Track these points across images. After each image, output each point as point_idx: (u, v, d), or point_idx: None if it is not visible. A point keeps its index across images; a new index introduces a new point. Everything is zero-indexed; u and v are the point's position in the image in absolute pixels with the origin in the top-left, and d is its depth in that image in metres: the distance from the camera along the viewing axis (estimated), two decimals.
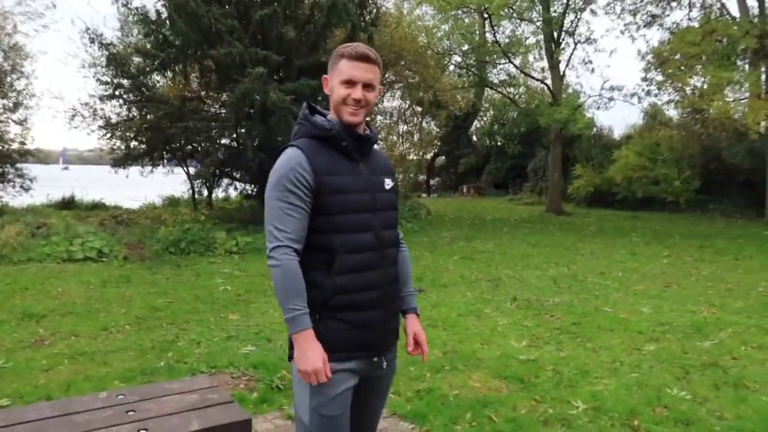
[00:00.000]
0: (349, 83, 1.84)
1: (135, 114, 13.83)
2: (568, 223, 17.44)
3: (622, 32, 21.93)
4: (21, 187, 16.26)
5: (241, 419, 1.72)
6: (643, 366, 4.44)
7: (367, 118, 2.00)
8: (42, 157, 18.66)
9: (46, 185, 18.11)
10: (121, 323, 5.61)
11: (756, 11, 16.46)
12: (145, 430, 1.63)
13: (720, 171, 21.76)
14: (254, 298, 6.74)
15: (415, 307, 2.12)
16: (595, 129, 28.07)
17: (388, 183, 1.98)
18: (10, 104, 16.21)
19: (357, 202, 1.87)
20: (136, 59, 13.85)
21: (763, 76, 16.81)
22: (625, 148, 23.97)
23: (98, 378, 4.11)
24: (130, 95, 13.52)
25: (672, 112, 24.90)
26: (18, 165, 16.40)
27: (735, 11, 17.41)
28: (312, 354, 1.75)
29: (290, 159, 1.82)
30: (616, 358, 4.63)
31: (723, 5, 18.86)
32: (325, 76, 1.96)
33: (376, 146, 2.06)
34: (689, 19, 20.29)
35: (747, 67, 17.00)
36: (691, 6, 19.77)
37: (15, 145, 16.43)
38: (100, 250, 9.15)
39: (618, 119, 55.49)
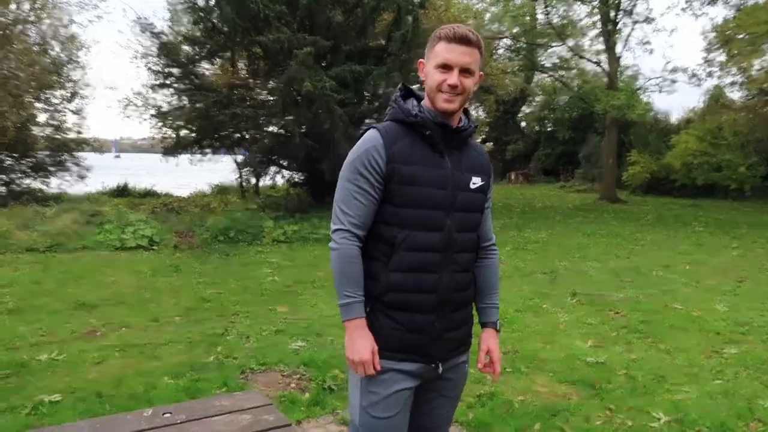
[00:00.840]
0: (445, 67, 1.66)
1: (185, 102, 13.92)
2: (624, 211, 16.73)
3: (683, 9, 20.81)
4: (78, 175, 16.69)
5: None
6: (727, 372, 4.04)
7: (467, 106, 1.80)
8: (97, 146, 19.09)
9: (101, 174, 18.58)
10: (171, 315, 5.55)
11: None
12: None
13: None
14: (302, 289, 6.60)
15: (495, 321, 1.90)
16: (651, 113, 26.96)
17: (476, 182, 1.78)
18: (68, 94, 16.62)
19: (430, 197, 1.69)
20: (186, 48, 13.92)
21: None
22: (685, 133, 22.85)
23: (148, 372, 4.01)
24: (181, 84, 13.62)
25: (736, 95, 23.56)
26: (75, 154, 16.82)
27: None
28: (361, 343, 1.66)
29: (366, 141, 1.71)
30: (693, 362, 4.25)
31: None
32: (420, 60, 1.78)
33: (472, 140, 1.84)
34: None
35: None
36: None
37: (72, 135, 16.86)
38: (151, 238, 9.21)
39: (675, 103, 53.10)
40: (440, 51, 1.68)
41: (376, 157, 1.67)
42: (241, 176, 16.32)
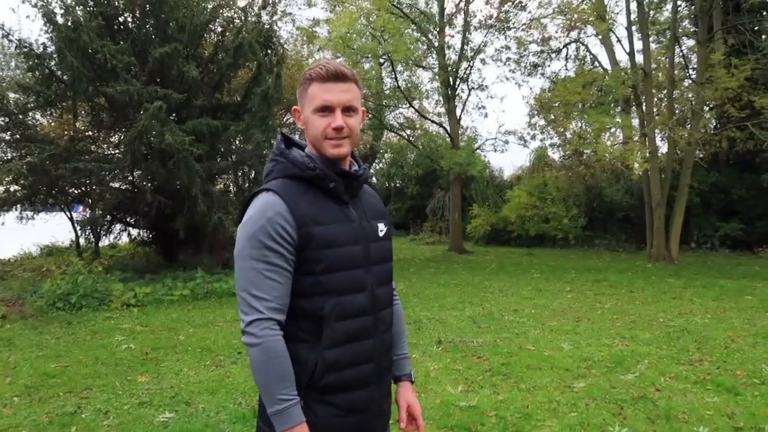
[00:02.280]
0: (325, 110, 1.52)
1: (13, 155, 12.53)
2: (471, 261, 17.92)
3: (507, 78, 23.53)
4: None
5: None
6: (579, 405, 4.48)
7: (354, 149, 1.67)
8: None
9: None
10: (8, 395, 4.85)
11: (625, 63, 18.23)
12: None
13: (602, 208, 23.53)
14: (163, 355, 6.14)
15: (409, 373, 1.85)
16: (488, 170, 29.56)
17: (382, 228, 1.67)
18: None
19: (350, 256, 1.55)
20: (13, 95, 12.67)
21: (635, 121, 18.53)
22: (517, 189, 25.32)
23: None
24: (7, 134, 12.29)
25: (556, 155, 26.77)
26: None
27: (606, 63, 19.22)
28: None
29: (267, 207, 1.47)
30: (551, 398, 4.65)
31: (595, 57, 20.83)
32: (295, 107, 1.63)
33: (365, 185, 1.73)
34: (566, 69, 22.21)
35: (620, 114, 18.64)
36: (567, 58, 21.61)
37: None
38: None
39: (507, 161, 58.86)
40: (316, 93, 1.52)
41: (283, 224, 1.46)
42: (77, 235, 14.91)
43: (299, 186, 1.54)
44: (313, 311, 1.50)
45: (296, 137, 1.73)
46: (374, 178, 36.56)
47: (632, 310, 8.65)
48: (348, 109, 1.53)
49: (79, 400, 4.72)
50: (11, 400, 4.75)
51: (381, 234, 1.66)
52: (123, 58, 10.48)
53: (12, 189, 12.14)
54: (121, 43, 11.07)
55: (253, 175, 13.80)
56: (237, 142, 13.01)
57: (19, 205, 12.60)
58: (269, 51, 12.77)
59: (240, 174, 14.20)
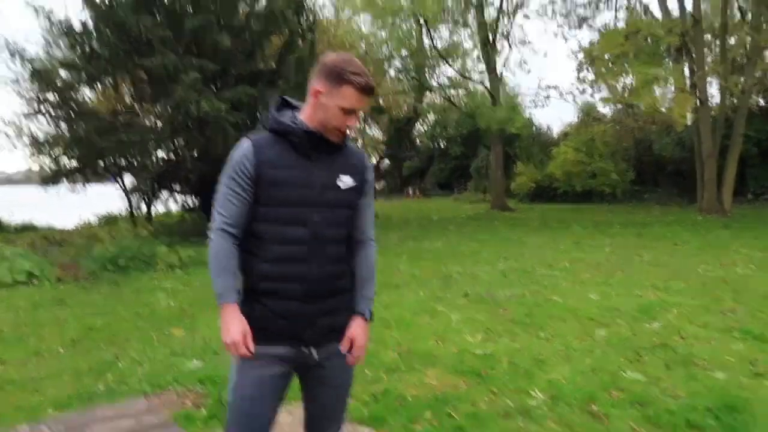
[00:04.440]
0: (351, 112, 1.86)
1: (64, 130, 13.14)
2: (513, 219, 17.75)
3: (555, 34, 22.64)
4: None
5: None
6: (596, 351, 4.47)
7: None
8: None
9: None
10: (54, 347, 5.24)
11: (676, 12, 17.25)
12: None
13: (652, 162, 22.72)
14: (199, 311, 6.45)
15: (364, 311, 2.03)
16: (534, 128, 28.91)
17: (345, 181, 1.94)
18: None
19: (295, 196, 1.87)
20: (63, 73, 13.20)
21: (687, 71, 17.62)
22: (563, 145, 24.72)
23: (30, 408, 3.77)
24: (58, 110, 12.86)
25: (605, 109, 25.85)
26: None
27: (657, 12, 18.22)
28: (233, 326, 1.82)
29: (239, 149, 1.89)
30: (569, 345, 4.65)
31: (646, 7, 19.75)
32: (315, 86, 1.87)
33: (350, 145, 2.01)
34: (616, 19, 21.16)
35: (671, 63, 17.76)
36: (617, 8, 20.60)
37: None
38: (30, 272, 8.60)
39: (555, 118, 57.22)
40: (350, 97, 1.82)
41: (246, 164, 1.85)
42: (131, 203, 15.61)
43: (275, 138, 1.90)
44: (258, 233, 1.88)
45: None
46: (417, 140, 36.34)
47: (671, 262, 8.43)
48: (357, 112, 1.89)
49: (117, 350, 5.05)
50: (57, 351, 5.13)
51: (342, 185, 1.93)
52: (158, 31, 10.72)
53: (62, 162, 12.76)
54: (156, 16, 11.30)
55: None
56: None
57: (70, 176, 13.23)
58: (300, 17, 12.75)
59: None
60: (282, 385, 1.94)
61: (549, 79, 50.99)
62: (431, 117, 35.10)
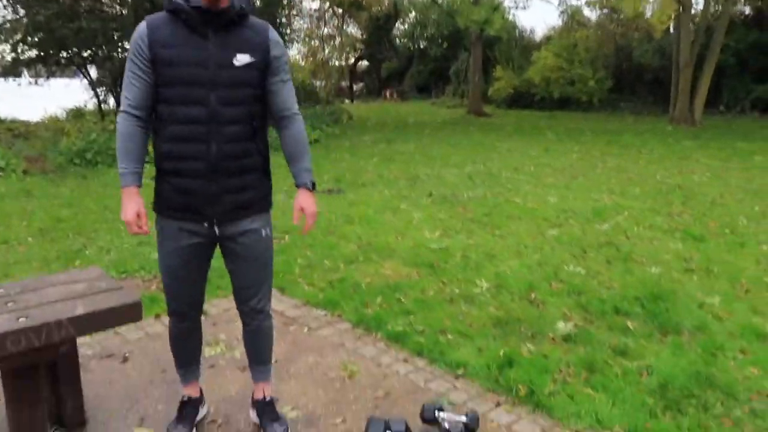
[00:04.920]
0: None
1: (22, 14, 12.44)
2: (488, 124, 17.75)
3: None
4: None
5: (130, 302, 1.70)
6: (545, 248, 4.73)
7: None
8: None
9: None
10: (23, 236, 5.32)
11: None
12: (25, 317, 1.57)
13: (631, 70, 22.54)
14: None
15: (306, 182, 2.11)
16: (516, 30, 28.12)
17: (242, 59, 1.93)
18: None
19: (190, 75, 1.89)
20: None
21: None
22: (544, 50, 24.23)
23: None
24: None
25: (591, 13, 25.15)
26: None
27: None
28: (128, 207, 1.95)
29: (135, 32, 1.92)
30: (521, 242, 4.90)
31: None
32: None
33: (249, 21, 1.98)
34: None
35: None
36: None
37: None
38: None
39: (539, 21, 55.41)
40: None
41: (141, 45, 1.88)
42: (98, 96, 15.14)
43: (169, 17, 1.91)
44: (159, 113, 1.95)
45: None
46: (397, 40, 35.24)
47: (633, 169, 8.67)
48: None
49: (85, 240, 5.16)
50: (25, 239, 5.22)
51: (236, 63, 1.93)
52: None
53: (21, 49, 12.19)
54: None
55: None
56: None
57: (31, 66, 12.70)
58: None
59: None
60: (199, 255, 2.07)
61: None
62: (412, 15, 33.85)
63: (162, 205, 2.02)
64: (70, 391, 2.17)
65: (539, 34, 29.81)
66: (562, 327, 3.15)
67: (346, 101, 29.71)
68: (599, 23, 24.54)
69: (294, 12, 21.27)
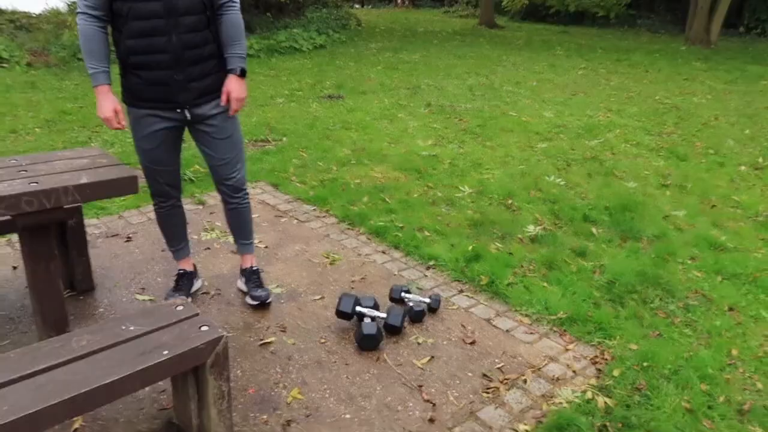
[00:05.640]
0: None
1: None
2: (498, 37, 17.32)
3: None
4: None
5: (127, 175, 1.93)
6: (531, 160, 4.91)
7: None
8: None
9: None
10: (30, 126, 5.52)
11: None
12: (36, 182, 1.81)
13: None
14: None
15: (235, 68, 2.26)
16: None
17: None
18: None
19: None
20: None
21: None
22: None
23: None
24: None
25: None
26: None
27: None
28: (104, 105, 2.11)
29: None
30: (509, 153, 5.08)
31: None
32: None
33: None
34: None
35: None
36: None
37: None
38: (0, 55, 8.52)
39: None
40: None
41: None
42: None
43: None
44: (118, 11, 2.06)
45: None
46: None
47: (635, 88, 8.65)
48: None
49: (90, 133, 5.36)
50: (33, 130, 5.42)
51: None
52: None
53: None
54: None
55: None
56: None
57: None
58: None
59: None
60: (172, 137, 2.28)
61: None
62: None
63: (133, 97, 2.18)
64: (79, 259, 2.46)
65: None
66: (532, 230, 3.40)
67: (356, 6, 28.72)
68: None
69: None
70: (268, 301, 2.55)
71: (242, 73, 2.27)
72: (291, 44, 12.15)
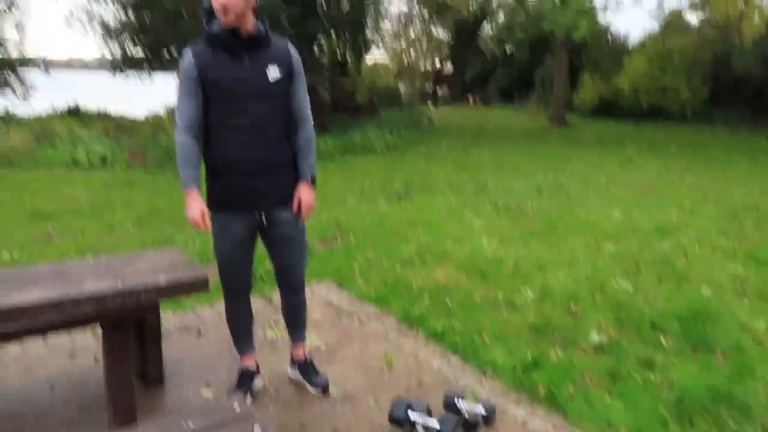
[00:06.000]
0: None
1: (131, 17, 13.71)
2: (569, 134, 17.51)
3: None
4: (22, 96, 16.46)
5: (199, 276, 2.14)
6: (598, 262, 4.83)
7: (263, 18, 2.39)
8: (45, 65, 18.66)
9: (50, 93, 18.25)
10: (125, 222, 6.06)
11: None
12: (119, 282, 2.03)
13: (730, 80, 21.35)
14: None
15: (307, 177, 2.50)
16: (610, 35, 27.32)
17: (274, 74, 2.34)
18: (5, 6, 16.06)
19: (233, 90, 2.28)
20: None
21: None
22: (636, 56, 23.42)
23: None
24: None
25: (691, 17, 24.00)
26: (18, 72, 16.50)
27: None
28: (192, 207, 2.31)
29: (184, 59, 2.32)
30: (574, 255, 5.02)
31: None
32: None
33: (275, 41, 2.41)
34: None
35: None
36: None
37: (15, 54, 16.48)
38: (103, 156, 9.51)
39: (636, 25, 52.97)
40: None
41: (190, 69, 2.26)
42: None
43: (209, 43, 2.30)
44: (210, 125, 2.33)
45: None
46: (483, 44, 35.08)
47: (711, 187, 8.43)
48: None
49: (176, 229, 5.81)
50: (126, 226, 5.94)
51: (270, 77, 2.34)
52: None
53: (130, 50, 13.42)
54: None
55: (343, 39, 14.04)
56: (329, 7, 13.18)
57: (137, 65, 13.95)
58: None
59: (335, 37, 14.51)
60: (247, 238, 2.48)
61: None
62: (500, 18, 33.60)
63: (217, 200, 2.42)
64: (152, 352, 2.64)
65: (634, 39, 28.76)
66: (595, 337, 3.32)
67: (429, 105, 30.02)
68: (699, 28, 23.40)
69: (381, 14, 21.84)
70: (328, 387, 2.71)
71: (313, 182, 2.51)
72: (364, 143, 12.80)
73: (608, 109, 23.52)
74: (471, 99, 31.19)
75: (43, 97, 17.99)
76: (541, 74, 27.62)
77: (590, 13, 18.35)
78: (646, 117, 21.95)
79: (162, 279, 2.06)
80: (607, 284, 4.26)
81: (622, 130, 18.80)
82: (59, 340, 3.20)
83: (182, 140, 2.31)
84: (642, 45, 26.10)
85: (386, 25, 25.29)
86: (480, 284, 4.26)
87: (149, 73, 14.76)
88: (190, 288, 2.13)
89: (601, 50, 25.84)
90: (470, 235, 5.68)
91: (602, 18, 23.53)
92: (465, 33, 32.09)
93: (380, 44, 23.78)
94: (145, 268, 2.23)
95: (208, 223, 2.37)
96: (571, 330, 3.46)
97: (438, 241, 5.38)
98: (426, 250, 5.09)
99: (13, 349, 3.10)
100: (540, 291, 4.09)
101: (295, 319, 2.77)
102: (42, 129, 11.24)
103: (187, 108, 2.29)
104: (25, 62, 16.82)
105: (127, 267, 2.24)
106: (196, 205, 2.31)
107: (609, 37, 27.27)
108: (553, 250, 5.21)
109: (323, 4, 12.81)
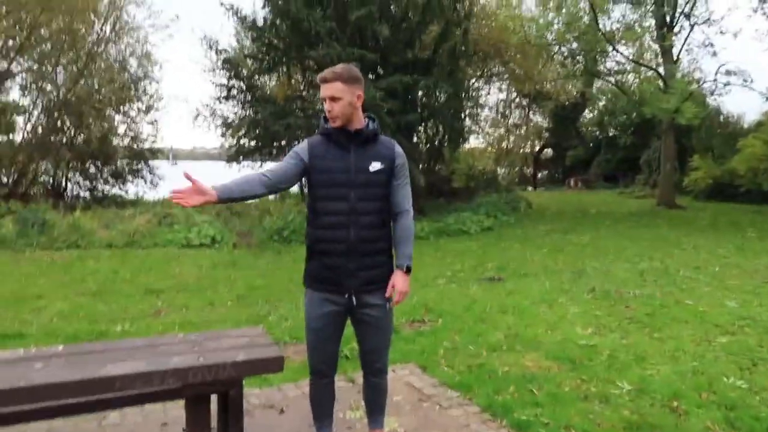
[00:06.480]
0: (325, 100, 2.49)
1: (248, 113, 15.09)
2: (679, 217, 16.55)
3: (754, 10, 19.52)
4: (151, 182, 18.30)
5: (276, 356, 2.21)
6: (707, 356, 4.41)
7: (370, 118, 2.63)
8: (173, 155, 20.85)
9: (177, 181, 20.14)
10: (225, 299, 6.41)
11: None
12: (202, 358, 2.15)
13: None
14: None
15: (402, 265, 2.61)
16: (721, 116, 26.16)
17: (375, 166, 2.52)
18: (143, 107, 18.28)
19: (336, 179, 2.49)
20: (249, 62, 15.10)
21: None
22: (752, 137, 22.12)
23: None
24: (243, 96, 14.79)
25: None
26: (149, 162, 18.46)
27: None
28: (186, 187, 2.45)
29: (300, 145, 2.60)
30: (680, 347, 4.63)
31: None
32: None
33: (381, 138, 2.62)
34: None
35: None
36: None
37: (147, 144, 18.50)
38: (213, 237, 10.24)
39: (751, 106, 50.15)
40: (321, 90, 2.50)
41: (302, 152, 2.51)
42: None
43: (323, 138, 2.56)
44: (314, 208, 2.54)
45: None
46: (582, 128, 34.78)
47: None
48: (333, 99, 2.45)
49: (271, 307, 6.05)
50: (226, 303, 6.28)
51: (372, 169, 2.52)
52: (325, 24, 11.86)
53: (243, 142, 14.67)
54: (325, 10, 12.46)
55: (440, 128, 14.49)
56: (427, 97, 13.77)
57: (251, 156, 15.16)
58: (458, 4, 13.15)
59: (431, 126, 15.03)
60: (337, 319, 2.58)
61: (732, 61, 43.96)
62: (601, 104, 33.32)
63: (311, 279, 2.58)
64: (235, 427, 2.71)
65: (750, 118, 27.23)
66: None
67: (529, 189, 29.78)
68: None
69: (478, 104, 22.43)
70: None
71: (408, 270, 2.60)
72: (459, 227, 12.84)
73: (723, 191, 22.08)
74: (573, 182, 30.59)
75: (170, 184, 19.94)
76: (647, 156, 26.73)
77: (693, 97, 17.76)
78: (766, 199, 20.34)
79: (240, 356, 2.17)
80: (717, 381, 3.87)
81: (739, 213, 17.50)
82: (154, 410, 3.38)
83: (253, 174, 2.52)
84: (759, 124, 24.67)
85: (485, 112, 25.91)
86: (571, 374, 4.02)
87: (260, 162, 15.97)
88: (266, 366, 2.22)
89: (713, 131, 24.71)
90: (564, 321, 5.43)
91: (711, 100, 22.73)
92: (565, 117, 32.04)
93: (478, 132, 24.32)
94: (227, 345, 2.36)
95: (189, 201, 2.35)
96: (672, 430, 3.15)
97: (528, 328, 5.18)
98: (515, 336, 4.92)
99: (112, 416, 3.31)
100: (637, 385, 3.79)
101: (374, 403, 2.80)
102: (164, 212, 12.35)
103: (278, 167, 2.51)
104: (156, 153, 18.82)
105: (211, 343, 2.38)
106: (194, 186, 2.37)
107: (721, 118, 26.11)
108: (654, 340, 4.84)
109: (422, 96, 13.43)
